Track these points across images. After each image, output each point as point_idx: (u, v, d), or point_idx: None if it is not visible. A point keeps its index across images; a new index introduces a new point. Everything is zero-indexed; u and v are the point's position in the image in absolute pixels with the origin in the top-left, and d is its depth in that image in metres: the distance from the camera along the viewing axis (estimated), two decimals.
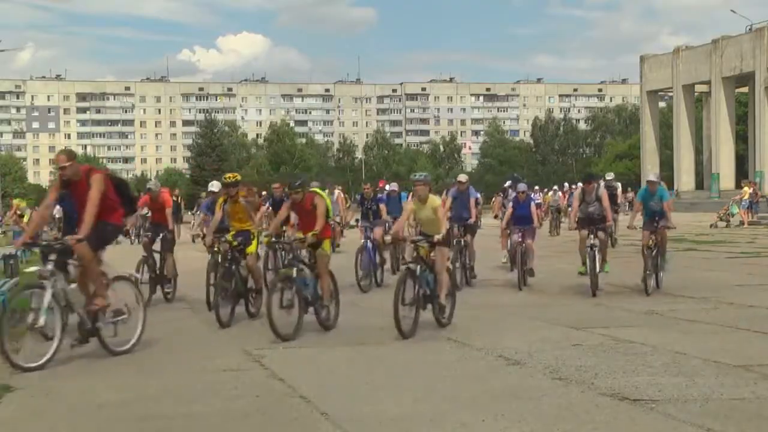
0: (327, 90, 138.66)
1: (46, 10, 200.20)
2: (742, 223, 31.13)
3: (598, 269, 11.59)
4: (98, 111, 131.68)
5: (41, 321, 7.06)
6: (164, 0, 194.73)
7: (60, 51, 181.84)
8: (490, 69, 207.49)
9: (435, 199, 9.33)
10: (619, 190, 26.55)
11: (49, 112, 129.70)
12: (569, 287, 12.49)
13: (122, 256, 12.26)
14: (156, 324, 9.74)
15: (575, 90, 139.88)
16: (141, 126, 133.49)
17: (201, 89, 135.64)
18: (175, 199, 19.20)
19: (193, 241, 21.01)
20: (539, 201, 22.01)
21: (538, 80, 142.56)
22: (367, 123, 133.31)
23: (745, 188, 34.12)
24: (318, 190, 9.75)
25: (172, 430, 5.40)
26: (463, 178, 14.06)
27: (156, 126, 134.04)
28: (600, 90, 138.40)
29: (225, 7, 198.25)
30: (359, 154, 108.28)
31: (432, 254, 8.90)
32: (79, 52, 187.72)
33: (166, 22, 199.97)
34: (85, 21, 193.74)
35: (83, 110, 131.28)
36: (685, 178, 60.88)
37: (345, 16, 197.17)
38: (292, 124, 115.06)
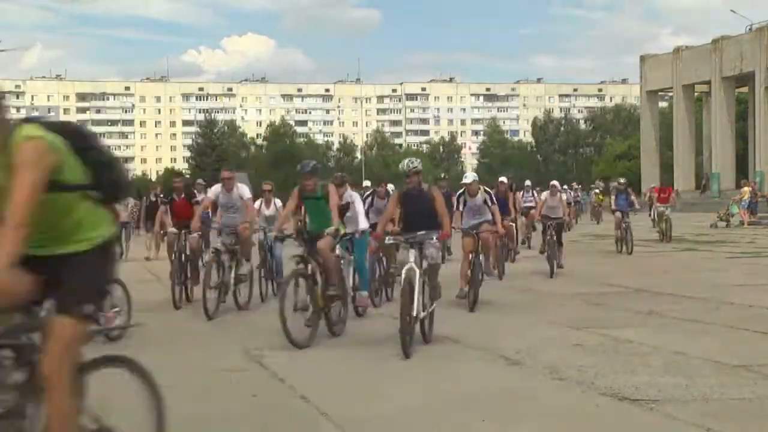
0: (327, 90, 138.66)
1: (52, 11, 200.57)
2: (742, 223, 31.14)
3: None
4: (98, 111, 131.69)
5: None
6: (170, 1, 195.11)
7: (66, 52, 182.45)
8: (491, 69, 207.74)
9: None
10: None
11: (49, 112, 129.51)
12: (568, 287, 12.48)
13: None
14: (156, 324, 9.75)
15: (575, 90, 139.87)
16: (141, 126, 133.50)
17: (201, 89, 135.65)
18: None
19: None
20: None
21: (538, 80, 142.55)
22: (367, 123, 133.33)
23: (745, 188, 34.14)
24: None
25: (172, 430, 5.39)
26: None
27: (156, 126, 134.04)
28: (600, 90, 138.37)
29: (231, 9, 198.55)
30: (359, 154, 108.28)
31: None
32: (86, 53, 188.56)
33: (172, 24, 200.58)
34: (92, 22, 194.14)
35: (83, 110, 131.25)
36: (685, 178, 60.89)
37: (349, 18, 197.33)
38: (292, 123, 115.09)
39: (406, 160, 8.79)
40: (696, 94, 62.72)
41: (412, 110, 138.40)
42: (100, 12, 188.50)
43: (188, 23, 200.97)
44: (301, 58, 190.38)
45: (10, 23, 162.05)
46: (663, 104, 73.89)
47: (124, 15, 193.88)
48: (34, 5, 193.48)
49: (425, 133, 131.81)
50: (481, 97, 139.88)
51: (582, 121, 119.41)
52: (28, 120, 3.28)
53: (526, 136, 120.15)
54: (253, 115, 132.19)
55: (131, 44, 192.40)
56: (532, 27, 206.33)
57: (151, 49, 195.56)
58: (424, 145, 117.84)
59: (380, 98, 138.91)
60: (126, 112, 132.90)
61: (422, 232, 8.13)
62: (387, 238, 8.56)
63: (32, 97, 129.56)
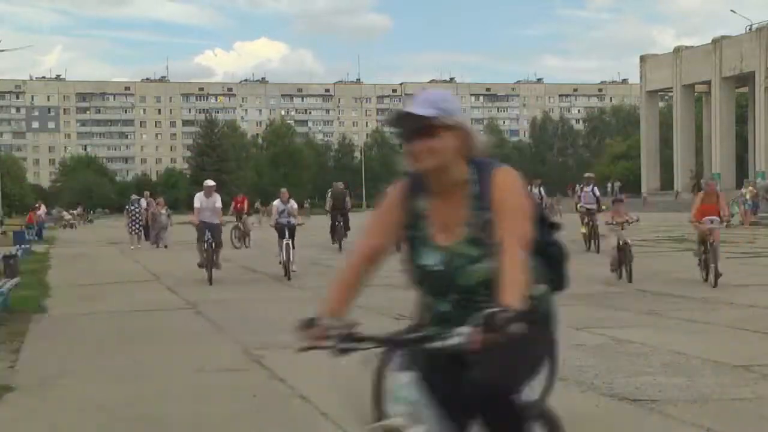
0: (327, 90, 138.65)
1: (68, 15, 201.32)
2: (742, 223, 31.12)
3: None
4: (98, 111, 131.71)
5: None
6: (186, 4, 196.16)
7: (82, 54, 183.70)
8: (491, 69, 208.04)
9: None
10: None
11: (49, 112, 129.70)
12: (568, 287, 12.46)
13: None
14: (156, 324, 9.76)
15: (575, 90, 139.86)
16: (141, 126, 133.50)
17: (201, 89, 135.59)
18: None
19: None
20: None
21: (538, 80, 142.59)
22: (367, 123, 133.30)
23: (749, 187, 34.18)
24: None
25: (172, 431, 5.40)
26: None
27: (156, 126, 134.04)
28: (600, 90, 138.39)
29: (244, 12, 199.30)
30: (358, 154, 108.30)
31: None
32: (100, 55, 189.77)
33: (188, 27, 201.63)
34: (107, 25, 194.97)
35: (83, 110, 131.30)
36: (684, 177, 60.89)
37: (360, 24, 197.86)
38: (291, 123, 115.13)
39: None
40: (696, 94, 62.76)
41: None
42: (116, 15, 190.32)
43: (203, 27, 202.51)
44: (311, 60, 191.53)
45: (25, 26, 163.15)
46: (663, 104, 73.92)
47: (139, 18, 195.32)
48: (50, 8, 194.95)
49: None
50: (481, 97, 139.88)
51: (580, 121, 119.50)
52: None
53: (526, 136, 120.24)
54: (253, 115, 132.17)
55: (145, 46, 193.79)
56: (533, 28, 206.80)
57: (167, 52, 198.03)
58: None
59: (380, 98, 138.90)
60: (126, 112, 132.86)
61: None
62: None
63: (32, 97, 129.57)
